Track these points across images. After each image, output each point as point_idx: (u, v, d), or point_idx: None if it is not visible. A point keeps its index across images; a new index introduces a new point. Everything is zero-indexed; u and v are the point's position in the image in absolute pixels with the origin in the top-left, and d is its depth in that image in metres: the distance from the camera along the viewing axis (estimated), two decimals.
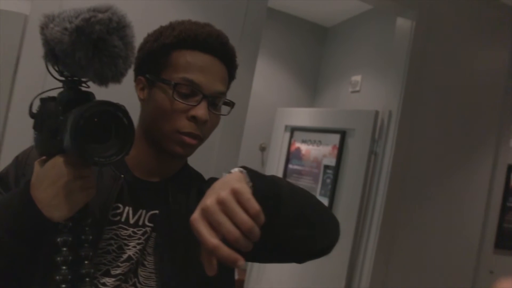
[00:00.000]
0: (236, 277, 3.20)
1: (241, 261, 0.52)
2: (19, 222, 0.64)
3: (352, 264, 2.34)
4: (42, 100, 0.71)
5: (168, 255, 0.77)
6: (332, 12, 3.44)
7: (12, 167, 0.79)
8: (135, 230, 0.78)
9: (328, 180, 2.64)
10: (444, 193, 2.45)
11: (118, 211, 0.78)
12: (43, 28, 0.64)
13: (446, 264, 2.47)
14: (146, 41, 0.83)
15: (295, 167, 2.91)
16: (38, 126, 0.70)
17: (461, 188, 2.49)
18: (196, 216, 0.55)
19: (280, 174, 3.01)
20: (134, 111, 0.72)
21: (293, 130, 2.98)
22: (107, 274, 0.75)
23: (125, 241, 0.77)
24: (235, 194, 0.55)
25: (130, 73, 0.70)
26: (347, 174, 2.52)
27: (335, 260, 2.43)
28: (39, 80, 1.41)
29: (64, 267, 0.66)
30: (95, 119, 0.63)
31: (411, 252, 2.37)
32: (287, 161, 2.98)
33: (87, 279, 0.69)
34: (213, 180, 0.93)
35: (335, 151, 2.63)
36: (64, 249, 0.67)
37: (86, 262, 0.69)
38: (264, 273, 2.98)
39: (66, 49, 0.62)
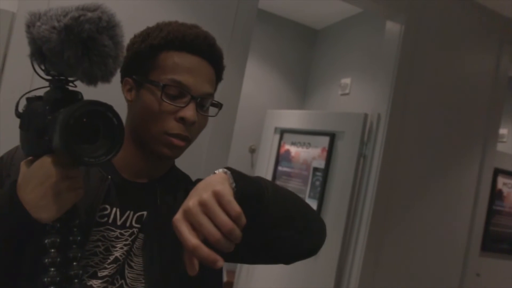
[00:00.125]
0: (225, 279, 3.19)
1: (220, 262, 0.53)
2: (6, 223, 0.63)
3: (341, 266, 2.34)
4: (28, 99, 0.70)
5: (156, 256, 0.76)
6: (322, 14, 3.46)
7: None
8: (122, 231, 0.77)
9: (317, 183, 2.64)
10: (432, 196, 2.47)
11: (106, 212, 0.77)
12: (30, 26, 0.63)
13: (434, 266, 2.50)
14: (133, 42, 0.83)
15: (285, 169, 2.92)
16: (25, 125, 0.69)
17: (449, 191, 2.52)
18: (178, 216, 0.56)
19: (269, 176, 3.01)
20: (121, 112, 0.71)
21: (282, 132, 2.98)
22: (94, 276, 0.74)
23: (112, 243, 0.76)
24: (217, 196, 0.56)
25: (118, 74, 0.69)
26: (336, 177, 2.53)
27: (324, 261, 2.43)
28: (27, 79, 1.39)
29: (52, 269, 0.65)
30: (84, 119, 0.62)
31: (399, 254, 2.39)
32: (277, 163, 2.98)
33: (75, 280, 0.68)
34: (198, 180, 0.93)
35: (325, 154, 2.63)
36: (52, 250, 0.66)
37: (74, 263, 0.68)
38: (253, 275, 2.97)
39: (54, 48, 0.61)
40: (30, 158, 0.68)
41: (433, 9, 2.40)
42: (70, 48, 0.61)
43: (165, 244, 0.77)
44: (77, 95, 0.69)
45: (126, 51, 0.81)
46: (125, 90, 0.83)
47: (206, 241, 0.54)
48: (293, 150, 2.88)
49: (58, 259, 0.66)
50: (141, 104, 0.79)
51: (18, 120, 0.70)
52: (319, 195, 2.60)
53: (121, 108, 0.73)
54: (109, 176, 0.79)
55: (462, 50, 2.53)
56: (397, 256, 2.38)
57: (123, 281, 0.75)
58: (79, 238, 0.70)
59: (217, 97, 0.86)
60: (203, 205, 0.55)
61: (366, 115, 2.39)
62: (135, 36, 0.84)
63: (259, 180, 0.70)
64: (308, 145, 2.78)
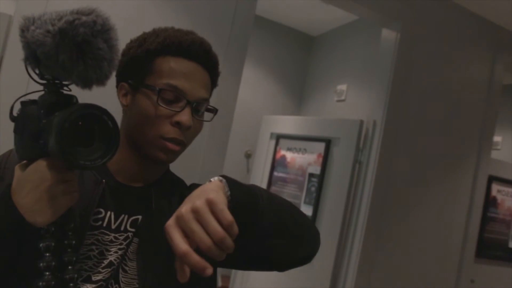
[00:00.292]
0: (220, 284, 3.18)
1: (209, 270, 0.53)
2: (1, 227, 0.62)
3: (335, 272, 2.34)
4: (23, 103, 0.70)
5: (150, 261, 0.76)
6: (318, 21, 3.48)
7: None
8: (116, 235, 0.77)
9: (313, 188, 2.65)
10: (427, 203, 2.47)
11: (100, 216, 0.77)
12: (24, 30, 0.63)
13: (428, 272, 2.50)
14: (129, 47, 0.83)
15: (280, 174, 2.92)
16: (19, 129, 0.69)
17: (443, 198, 2.53)
18: (170, 222, 0.56)
19: (265, 181, 3.01)
20: (116, 115, 0.72)
21: (278, 137, 2.99)
22: (88, 280, 0.73)
23: (107, 247, 0.76)
24: (210, 204, 0.56)
25: (113, 77, 0.70)
26: (332, 183, 2.53)
27: (319, 267, 2.43)
28: (23, 82, 1.39)
29: (47, 273, 0.65)
30: (80, 122, 0.62)
31: (394, 260, 2.39)
32: (272, 168, 2.98)
33: (70, 284, 0.68)
34: (195, 186, 0.93)
35: (320, 159, 2.64)
36: (47, 254, 0.66)
37: (69, 267, 0.68)
38: (248, 280, 2.96)
39: (49, 52, 0.61)
40: (24, 162, 0.68)
41: (428, 17, 2.42)
42: (65, 51, 0.61)
43: (160, 249, 0.77)
44: (72, 98, 0.69)
45: (121, 56, 0.82)
46: (120, 94, 0.83)
47: (197, 249, 0.54)
48: (289, 155, 2.88)
49: (53, 263, 0.66)
50: (137, 108, 0.79)
51: (13, 124, 0.70)
52: (315, 201, 2.60)
53: (116, 112, 0.73)
54: (104, 180, 0.79)
55: (457, 58, 2.54)
56: (392, 262, 2.38)
57: (117, 285, 0.75)
58: (74, 242, 0.70)
59: (213, 102, 0.87)
60: (195, 212, 0.56)
61: (361, 122, 2.40)
62: (131, 41, 0.84)
63: (254, 189, 0.70)
64: (304, 151, 2.78)
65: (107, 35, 0.64)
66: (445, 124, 2.51)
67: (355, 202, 2.34)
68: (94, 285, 0.73)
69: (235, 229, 0.55)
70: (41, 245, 0.66)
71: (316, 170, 2.66)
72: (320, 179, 2.60)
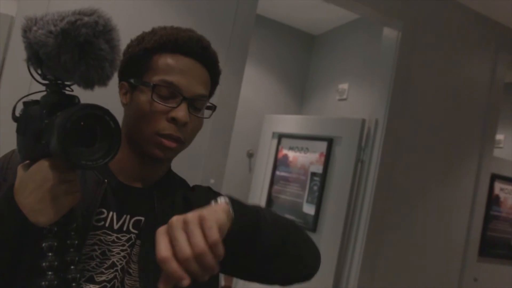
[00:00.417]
0: (223, 283, 3.18)
1: (186, 281, 0.53)
2: (4, 227, 0.63)
3: (338, 271, 2.34)
4: (25, 103, 0.70)
5: (151, 264, 0.76)
6: (320, 20, 3.47)
7: None
8: (119, 235, 0.77)
9: (315, 187, 2.65)
10: (429, 201, 2.47)
11: (102, 216, 0.77)
12: (26, 31, 0.64)
13: (431, 271, 2.49)
14: (129, 46, 0.84)
15: (282, 174, 2.92)
16: (22, 129, 0.69)
17: (446, 197, 2.52)
18: (161, 229, 0.57)
19: (267, 181, 3.01)
20: (118, 115, 0.72)
21: (280, 137, 2.99)
22: (91, 280, 0.73)
23: (109, 247, 0.76)
24: (201, 218, 0.56)
25: (115, 77, 0.70)
26: (334, 182, 2.53)
27: (322, 267, 2.43)
28: (25, 83, 1.39)
29: (50, 273, 0.65)
30: (82, 123, 0.62)
31: (397, 259, 2.39)
32: (275, 167, 2.98)
33: (73, 284, 0.68)
34: (198, 187, 0.93)
35: (322, 159, 2.64)
36: (50, 254, 0.66)
37: (72, 267, 0.68)
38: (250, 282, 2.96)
39: (51, 52, 0.61)
40: (27, 162, 0.68)
41: (430, 15, 2.42)
42: (67, 52, 0.61)
43: None
44: (74, 99, 0.69)
45: (122, 55, 0.82)
46: (121, 93, 0.84)
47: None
48: (291, 155, 2.88)
49: (56, 263, 0.66)
50: (134, 106, 0.80)
51: (15, 124, 0.70)
52: (317, 200, 2.60)
53: (118, 112, 0.74)
54: (106, 180, 0.79)
55: (458, 56, 2.54)
56: (395, 261, 2.38)
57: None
58: (76, 241, 0.70)
59: (215, 101, 0.86)
60: (185, 222, 0.56)
61: (363, 120, 2.39)
62: (131, 41, 0.85)
63: (258, 210, 0.71)
64: (306, 150, 2.78)
65: (109, 35, 0.64)
66: (447, 122, 2.51)
67: (358, 201, 2.34)
68: (97, 286, 0.73)
69: (220, 250, 0.55)
70: (43, 244, 0.66)
71: (318, 169, 2.65)
72: (322, 178, 2.60)
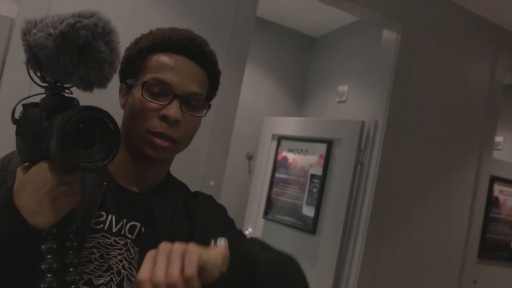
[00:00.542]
0: None
1: None
2: (2, 229, 0.62)
3: (338, 273, 2.34)
4: (24, 106, 0.70)
5: None
6: (319, 22, 3.48)
7: None
8: (117, 239, 0.77)
9: (315, 189, 2.64)
10: (429, 204, 2.47)
11: (101, 219, 0.77)
12: (25, 33, 0.64)
13: (431, 273, 2.49)
14: (127, 48, 0.84)
15: (282, 176, 2.92)
16: (21, 132, 0.69)
17: (445, 199, 2.52)
18: (151, 251, 0.58)
19: (266, 183, 3.01)
20: (118, 117, 0.72)
21: (280, 139, 2.99)
22: (89, 283, 0.73)
23: (107, 250, 0.76)
24: (185, 251, 0.57)
25: (115, 79, 0.70)
26: (334, 184, 2.53)
27: (321, 269, 2.43)
28: (25, 85, 1.39)
29: (49, 275, 0.65)
30: (81, 125, 0.62)
31: (396, 261, 2.38)
32: (274, 169, 2.98)
33: (72, 286, 0.68)
34: (199, 194, 0.93)
35: (322, 161, 2.64)
36: (49, 256, 0.66)
37: (71, 269, 0.68)
38: None
39: (50, 55, 0.62)
40: (26, 164, 0.68)
41: (429, 18, 2.42)
42: (66, 54, 0.61)
43: None
44: (73, 101, 0.69)
45: (122, 58, 0.83)
46: (120, 95, 0.84)
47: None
48: (291, 157, 2.88)
49: (55, 265, 0.66)
50: (129, 105, 0.80)
51: (15, 127, 0.70)
52: (317, 202, 2.60)
53: (117, 114, 0.74)
54: (105, 183, 0.79)
55: (457, 58, 2.54)
56: (394, 263, 2.38)
57: None
58: (75, 244, 0.70)
59: (214, 103, 0.86)
60: (171, 250, 0.57)
61: (363, 123, 2.40)
62: (130, 43, 0.85)
63: (255, 253, 0.70)
64: (306, 152, 2.78)
65: (108, 37, 0.65)
66: (446, 124, 2.51)
67: (357, 203, 2.34)
68: None
69: (194, 286, 0.55)
70: (42, 247, 0.66)
71: (318, 171, 2.65)
72: (322, 180, 2.60)
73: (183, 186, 0.93)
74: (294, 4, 3.18)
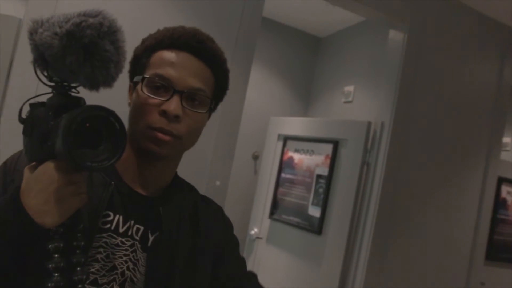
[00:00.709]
0: None
1: None
2: (9, 228, 0.63)
3: (344, 273, 2.33)
4: (31, 105, 0.70)
5: (161, 280, 0.77)
6: (325, 22, 3.47)
7: (0, 172, 0.77)
8: (123, 240, 0.77)
9: (321, 190, 2.64)
10: (436, 205, 2.46)
11: (109, 219, 0.77)
12: (32, 33, 0.64)
13: (438, 274, 2.48)
14: (135, 48, 0.85)
15: (288, 176, 2.91)
16: (28, 131, 0.69)
17: (452, 200, 2.50)
18: None
19: (272, 183, 3.01)
20: (124, 117, 0.72)
21: (286, 139, 2.98)
22: (94, 283, 0.73)
23: (113, 250, 0.76)
24: None
25: (121, 78, 0.70)
26: (340, 184, 2.52)
27: (328, 269, 2.42)
28: (32, 85, 1.40)
29: (56, 274, 0.65)
30: (87, 124, 0.62)
31: (403, 263, 2.37)
32: (280, 170, 2.98)
33: (79, 286, 0.68)
34: (209, 203, 0.93)
35: (328, 161, 2.63)
36: (56, 255, 0.66)
37: (78, 268, 0.68)
38: None
39: (56, 54, 0.62)
40: (33, 163, 0.68)
41: (436, 18, 2.41)
42: (72, 53, 0.62)
43: (171, 269, 0.78)
44: (79, 100, 0.69)
45: (131, 57, 0.83)
46: (129, 94, 0.84)
47: None
48: (297, 157, 2.88)
49: (62, 264, 0.66)
50: (132, 102, 0.80)
51: (22, 126, 0.70)
52: (323, 202, 2.60)
53: (124, 114, 0.74)
54: (112, 182, 0.78)
55: (465, 59, 2.53)
56: (400, 264, 2.36)
57: None
58: (82, 243, 0.70)
59: (220, 104, 0.86)
60: None
61: (369, 123, 2.39)
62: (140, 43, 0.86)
63: None
64: (312, 152, 2.78)
65: (114, 36, 0.65)
66: (453, 125, 2.49)
67: (363, 204, 2.33)
68: None
69: None
70: (50, 246, 0.66)
71: (324, 171, 2.65)
72: (328, 181, 2.60)
73: (192, 190, 0.92)
74: (300, 5, 3.18)
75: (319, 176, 2.68)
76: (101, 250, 0.75)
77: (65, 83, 0.68)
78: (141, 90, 0.77)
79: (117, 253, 0.76)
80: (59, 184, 0.64)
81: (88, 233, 0.72)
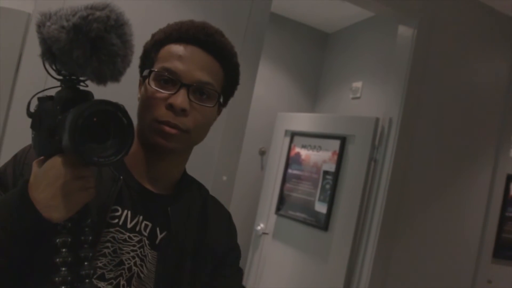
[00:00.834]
0: None
1: None
2: (17, 222, 0.63)
3: (350, 270, 2.33)
4: (39, 99, 0.70)
5: (167, 281, 0.77)
6: (333, 18, 3.45)
7: (10, 166, 0.77)
8: (131, 235, 0.77)
9: (328, 186, 2.63)
10: (443, 202, 2.44)
11: (117, 213, 0.77)
12: (40, 26, 0.64)
13: (445, 272, 2.47)
14: (145, 43, 0.84)
15: (295, 172, 2.91)
16: (36, 125, 0.69)
17: (460, 197, 2.49)
18: None
19: (279, 179, 3.01)
20: (133, 111, 0.72)
21: (293, 135, 2.98)
22: (101, 278, 0.73)
23: (120, 245, 0.76)
24: None
25: (129, 73, 0.70)
26: (347, 180, 2.51)
27: (333, 266, 2.42)
28: (41, 79, 1.41)
29: (63, 268, 0.65)
30: (94, 119, 0.62)
31: (410, 260, 2.36)
32: (287, 165, 2.98)
33: (86, 280, 0.68)
34: (218, 206, 0.93)
35: (335, 157, 2.62)
36: (64, 250, 0.66)
37: (85, 263, 0.68)
38: (261, 277, 2.97)
39: (64, 48, 0.61)
40: (41, 157, 0.68)
41: (446, 13, 2.38)
42: (79, 47, 0.61)
43: (180, 269, 0.78)
44: (88, 95, 0.69)
45: (141, 52, 0.83)
46: (139, 89, 0.84)
47: None
48: (304, 153, 2.87)
49: (69, 259, 0.66)
50: (141, 96, 0.80)
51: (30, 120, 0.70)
52: (329, 198, 2.59)
53: (133, 109, 0.74)
54: (121, 177, 0.78)
55: (475, 55, 2.50)
56: (407, 261, 2.36)
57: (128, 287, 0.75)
58: (90, 238, 0.70)
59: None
60: None
61: (377, 119, 2.37)
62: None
63: None
64: (319, 148, 2.77)
65: (121, 30, 0.64)
66: (462, 122, 2.47)
67: (370, 200, 2.32)
68: (106, 283, 0.73)
69: None
70: (57, 240, 0.66)
71: (331, 167, 2.64)
72: (335, 177, 2.59)
73: (201, 188, 0.92)
74: (308, 0, 3.16)
75: (326, 172, 2.67)
76: (109, 245, 0.75)
77: (73, 77, 0.68)
78: (149, 84, 0.77)
79: (125, 248, 0.76)
80: (67, 179, 0.64)
81: (96, 227, 0.72)
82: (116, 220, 0.76)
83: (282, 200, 2.95)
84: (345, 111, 3.28)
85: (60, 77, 0.68)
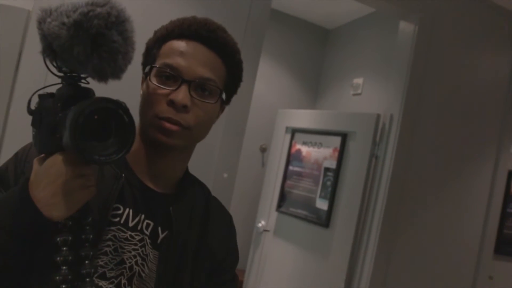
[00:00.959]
0: None
1: None
2: (18, 221, 0.62)
3: (351, 267, 2.33)
4: (40, 96, 0.69)
5: (168, 281, 0.77)
6: (334, 14, 3.44)
7: (11, 163, 0.77)
8: (132, 234, 0.76)
9: (329, 183, 2.63)
10: (445, 198, 2.44)
11: (118, 212, 0.76)
12: (41, 22, 0.63)
13: (446, 268, 2.47)
14: (148, 40, 0.84)
15: (296, 169, 2.91)
16: (37, 123, 0.68)
17: (462, 193, 2.49)
18: None
19: (280, 175, 3.01)
20: (135, 109, 0.71)
21: (294, 131, 2.97)
22: (102, 276, 0.73)
23: (122, 244, 0.75)
24: None
25: (130, 70, 0.69)
26: (348, 177, 2.51)
27: (335, 262, 2.42)
28: (41, 76, 1.41)
29: (64, 267, 0.65)
30: (95, 116, 0.61)
31: (410, 256, 2.36)
32: (288, 162, 2.97)
33: (87, 279, 0.67)
34: (220, 209, 0.92)
35: (336, 154, 2.62)
36: (64, 248, 0.65)
37: (86, 262, 0.67)
38: (262, 275, 2.97)
39: (64, 44, 0.61)
40: (42, 155, 0.68)
41: (447, 9, 2.37)
42: (79, 44, 0.60)
43: (182, 270, 0.78)
44: (89, 92, 0.68)
45: (144, 49, 0.83)
46: (141, 87, 0.83)
47: None
48: (304, 149, 2.87)
49: (70, 258, 0.65)
50: (142, 93, 0.80)
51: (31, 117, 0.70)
52: (330, 195, 2.59)
53: (134, 107, 0.73)
54: (123, 175, 0.78)
55: (476, 50, 2.49)
56: (408, 258, 2.36)
57: (129, 287, 0.75)
58: (91, 236, 0.69)
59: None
60: None
61: (378, 116, 2.37)
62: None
63: None
64: (320, 145, 2.76)
65: (122, 27, 0.63)
66: (464, 118, 2.47)
67: (371, 197, 2.32)
68: (107, 282, 0.73)
69: None
70: (58, 239, 0.65)
71: (332, 164, 2.64)
72: (336, 174, 2.59)
73: (202, 188, 0.91)
74: None
75: (327, 169, 2.67)
76: (110, 243, 0.74)
77: (74, 74, 0.67)
78: (150, 80, 0.76)
79: (126, 247, 0.75)
80: (67, 177, 0.63)
81: (97, 226, 0.72)
82: (118, 219, 0.76)
83: (283, 197, 2.95)
84: (346, 108, 3.27)
85: (61, 74, 0.68)
